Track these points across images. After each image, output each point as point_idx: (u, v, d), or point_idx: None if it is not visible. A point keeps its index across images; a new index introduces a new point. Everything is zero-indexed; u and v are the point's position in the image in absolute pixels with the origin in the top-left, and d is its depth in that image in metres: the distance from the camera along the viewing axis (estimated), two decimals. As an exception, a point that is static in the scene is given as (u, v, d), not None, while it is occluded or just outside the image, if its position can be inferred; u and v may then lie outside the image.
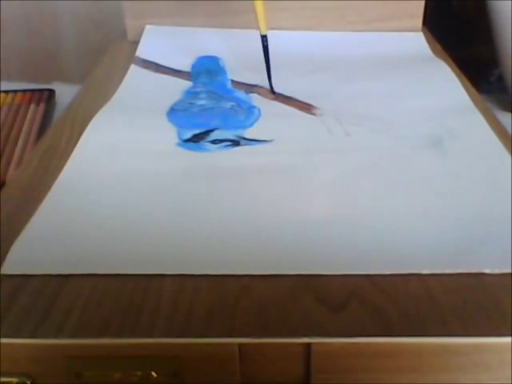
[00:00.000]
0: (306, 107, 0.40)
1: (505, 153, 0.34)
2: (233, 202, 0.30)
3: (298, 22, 0.53)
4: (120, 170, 0.33)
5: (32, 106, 0.54)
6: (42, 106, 0.54)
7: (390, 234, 0.27)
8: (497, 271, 0.25)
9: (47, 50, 0.75)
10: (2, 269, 0.25)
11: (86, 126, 0.37)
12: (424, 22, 0.54)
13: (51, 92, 0.57)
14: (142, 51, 0.49)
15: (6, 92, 0.56)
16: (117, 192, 0.31)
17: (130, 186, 0.31)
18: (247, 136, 0.36)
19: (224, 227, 0.28)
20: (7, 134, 0.49)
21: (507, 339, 0.22)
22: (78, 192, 0.31)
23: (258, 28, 0.42)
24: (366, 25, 0.53)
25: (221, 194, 0.31)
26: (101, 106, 0.40)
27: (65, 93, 0.54)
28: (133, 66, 0.46)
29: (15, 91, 0.57)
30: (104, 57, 0.51)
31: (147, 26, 0.52)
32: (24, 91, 0.57)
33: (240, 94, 0.42)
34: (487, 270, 0.25)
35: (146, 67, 0.46)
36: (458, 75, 0.45)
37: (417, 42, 0.52)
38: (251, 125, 0.38)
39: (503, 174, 0.32)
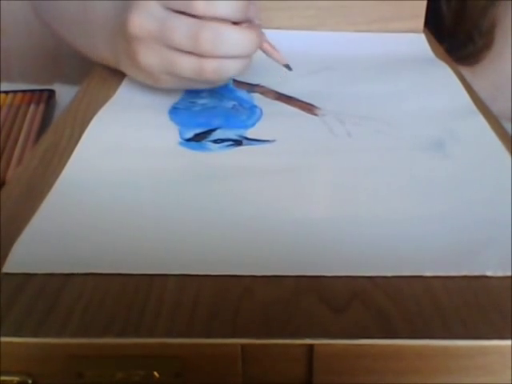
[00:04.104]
0: (308, 107, 0.40)
1: (507, 155, 0.34)
2: (235, 202, 0.30)
3: (300, 22, 0.53)
4: (122, 168, 0.32)
5: (32, 107, 0.54)
6: (41, 106, 0.54)
7: (392, 236, 0.27)
8: (499, 274, 0.25)
9: (47, 51, 0.75)
10: (3, 267, 0.25)
11: (88, 123, 0.37)
12: (425, 23, 0.54)
13: (51, 92, 0.57)
14: None
15: (6, 92, 0.56)
16: (119, 191, 0.31)
17: (131, 185, 0.31)
18: (249, 136, 0.36)
19: (226, 227, 0.28)
20: (7, 134, 0.49)
21: (509, 342, 0.22)
22: (80, 191, 0.31)
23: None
24: (368, 25, 0.53)
25: (223, 194, 0.31)
26: (102, 104, 0.40)
27: (65, 94, 0.54)
28: None
29: (15, 92, 0.57)
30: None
31: None
32: (24, 91, 0.57)
33: (242, 93, 0.42)
34: (489, 273, 0.25)
35: None
36: (459, 77, 0.45)
37: (418, 43, 0.52)
38: (253, 125, 0.38)
39: (505, 176, 0.32)
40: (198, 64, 0.35)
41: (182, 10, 0.34)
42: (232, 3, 0.34)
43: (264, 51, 0.39)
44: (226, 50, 0.34)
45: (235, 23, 0.35)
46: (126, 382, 0.23)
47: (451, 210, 0.29)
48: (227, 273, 0.25)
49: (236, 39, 0.34)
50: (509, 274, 0.25)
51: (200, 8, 0.33)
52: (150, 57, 0.36)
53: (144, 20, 0.35)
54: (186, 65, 0.35)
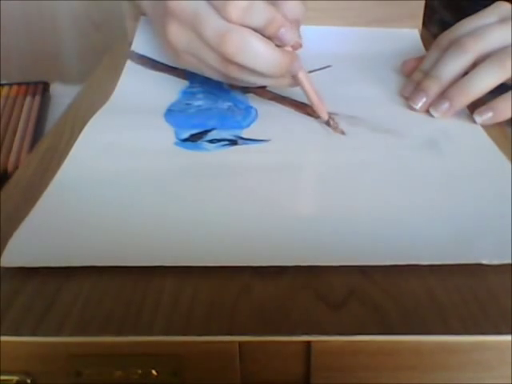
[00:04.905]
0: (303, 107, 0.40)
1: (498, 151, 0.35)
2: (231, 198, 0.30)
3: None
4: (118, 167, 0.33)
5: (28, 98, 0.55)
6: (37, 98, 0.55)
7: (388, 228, 0.28)
8: (495, 262, 0.25)
9: (47, 51, 0.75)
10: (1, 262, 0.25)
11: (87, 126, 0.37)
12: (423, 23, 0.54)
13: (45, 85, 0.57)
14: (138, 45, 0.48)
15: (2, 85, 0.57)
16: (115, 189, 0.31)
17: (128, 184, 0.31)
18: (244, 136, 0.37)
19: (222, 223, 0.28)
20: (6, 124, 0.50)
21: (507, 337, 0.22)
22: (76, 188, 0.31)
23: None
24: (366, 26, 0.53)
25: (219, 191, 0.31)
26: (101, 107, 0.40)
27: (65, 93, 0.54)
28: (129, 63, 0.46)
29: (10, 84, 0.57)
30: (105, 57, 0.51)
31: (142, 17, 0.51)
32: (19, 84, 0.57)
33: (237, 93, 0.42)
34: (485, 261, 0.25)
35: (142, 63, 0.46)
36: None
37: (412, 39, 0.52)
38: (248, 125, 0.38)
39: (499, 171, 0.32)
40: (222, 65, 0.35)
41: (217, 9, 0.33)
42: (266, 16, 0.34)
43: (300, 85, 0.37)
44: (248, 59, 0.34)
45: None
46: (125, 381, 0.23)
47: (446, 202, 0.30)
48: (223, 264, 0.25)
49: (262, 53, 0.34)
50: (504, 261, 0.25)
51: (233, 15, 0.33)
52: (180, 35, 0.36)
53: (184, 0, 0.34)
54: (210, 60, 0.35)
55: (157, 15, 0.40)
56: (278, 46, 0.35)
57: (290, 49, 0.35)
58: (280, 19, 0.34)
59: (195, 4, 0.34)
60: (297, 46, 0.36)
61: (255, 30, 0.34)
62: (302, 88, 0.38)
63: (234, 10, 0.33)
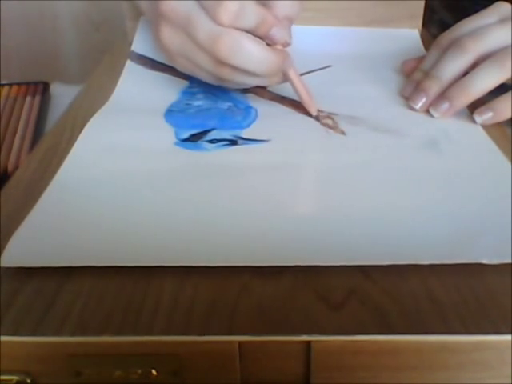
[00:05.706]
0: (303, 107, 0.40)
1: (498, 151, 0.35)
2: (230, 198, 0.30)
3: (298, 24, 0.53)
4: (118, 166, 0.33)
5: (28, 98, 0.55)
6: (37, 98, 0.55)
7: (388, 228, 0.28)
8: (495, 261, 0.25)
9: (47, 51, 0.75)
10: (1, 262, 0.25)
11: (87, 126, 0.37)
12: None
13: (45, 85, 0.58)
14: (137, 45, 0.48)
15: (2, 85, 0.57)
16: (115, 189, 0.31)
17: (128, 184, 0.31)
18: (244, 136, 0.37)
19: (222, 223, 0.28)
20: (6, 124, 0.50)
21: (507, 337, 0.22)
22: (76, 188, 0.31)
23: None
24: (366, 26, 0.53)
25: (219, 191, 0.31)
26: (101, 107, 0.40)
27: (64, 93, 0.54)
28: (128, 63, 0.46)
29: (10, 84, 0.57)
30: (105, 57, 0.51)
31: (142, 17, 0.51)
32: (19, 84, 0.57)
33: (237, 93, 0.42)
34: (485, 261, 0.25)
35: (142, 64, 0.46)
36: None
37: (412, 39, 0.52)
38: (248, 125, 0.38)
39: (499, 171, 0.32)
40: (215, 68, 0.35)
41: (209, 12, 0.33)
42: (257, 18, 0.34)
43: (290, 82, 0.38)
44: (241, 61, 0.34)
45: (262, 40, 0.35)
46: (125, 381, 0.23)
47: (446, 202, 0.30)
48: (223, 264, 0.25)
49: (255, 54, 0.34)
50: (504, 261, 0.25)
51: (224, 19, 0.33)
52: (172, 38, 0.36)
53: (176, 2, 0.34)
54: (203, 62, 0.35)
55: (152, 17, 0.40)
56: (268, 44, 0.35)
57: (280, 47, 0.36)
58: (271, 19, 0.34)
59: (187, 6, 0.34)
60: (285, 44, 0.36)
61: (246, 30, 0.34)
62: (292, 84, 0.38)
63: (225, 14, 0.33)
